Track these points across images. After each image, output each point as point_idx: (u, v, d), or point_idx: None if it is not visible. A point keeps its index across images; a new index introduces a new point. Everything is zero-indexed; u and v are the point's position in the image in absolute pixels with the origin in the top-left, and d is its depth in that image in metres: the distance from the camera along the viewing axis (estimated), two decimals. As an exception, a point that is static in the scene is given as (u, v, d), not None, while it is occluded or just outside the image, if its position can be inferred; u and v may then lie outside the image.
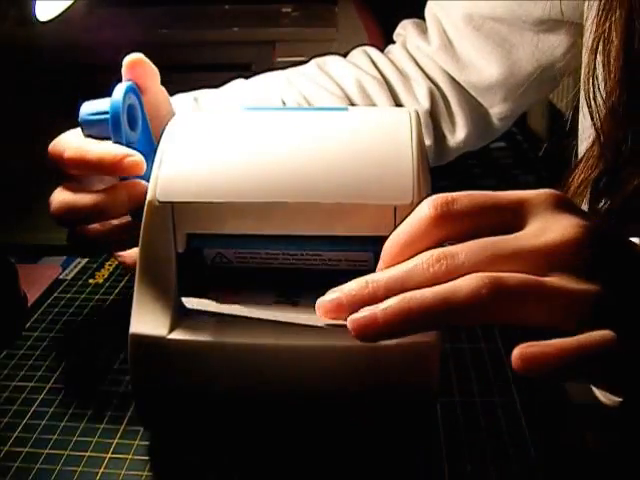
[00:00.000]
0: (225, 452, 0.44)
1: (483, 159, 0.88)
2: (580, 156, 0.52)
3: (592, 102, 0.49)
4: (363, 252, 0.42)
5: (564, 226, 0.35)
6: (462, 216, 0.35)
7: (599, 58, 0.48)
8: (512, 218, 0.36)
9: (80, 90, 0.95)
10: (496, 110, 0.73)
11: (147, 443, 0.46)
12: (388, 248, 0.36)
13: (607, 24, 0.47)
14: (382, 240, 0.38)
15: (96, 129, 0.49)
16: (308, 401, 0.42)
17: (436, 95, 0.72)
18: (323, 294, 0.36)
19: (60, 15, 0.77)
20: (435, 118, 0.72)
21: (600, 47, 0.47)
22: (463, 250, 0.34)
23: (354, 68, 0.71)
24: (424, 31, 0.73)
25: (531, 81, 0.69)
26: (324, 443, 0.44)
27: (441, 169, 0.85)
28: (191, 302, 0.41)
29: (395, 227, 0.41)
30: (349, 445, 0.44)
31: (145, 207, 0.43)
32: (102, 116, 0.48)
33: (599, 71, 0.48)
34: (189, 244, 0.43)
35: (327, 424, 0.43)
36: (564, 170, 0.80)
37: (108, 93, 0.49)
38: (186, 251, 0.43)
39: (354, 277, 0.35)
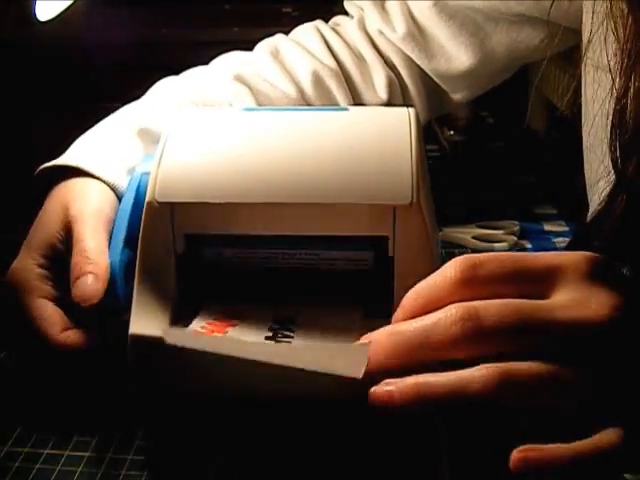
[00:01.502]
0: (225, 452, 0.44)
1: (483, 159, 0.88)
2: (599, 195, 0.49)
3: (617, 150, 0.44)
4: (362, 252, 0.42)
5: (599, 303, 0.33)
6: (488, 282, 0.34)
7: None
8: (542, 285, 0.35)
9: (80, 90, 0.96)
10: (458, 96, 0.71)
11: (147, 443, 0.46)
12: (409, 300, 0.36)
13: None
14: (382, 240, 0.38)
15: None
16: (307, 402, 0.42)
17: (395, 85, 0.69)
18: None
19: (60, 15, 0.77)
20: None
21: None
22: (488, 312, 0.33)
23: (310, 58, 0.68)
24: (387, 14, 0.69)
25: (499, 68, 0.68)
26: (324, 445, 0.44)
27: (441, 169, 0.86)
28: (175, 336, 0.40)
29: (395, 227, 0.41)
30: (349, 447, 0.44)
31: (145, 207, 0.43)
32: None
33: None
34: (188, 244, 0.43)
35: (327, 426, 0.43)
36: (563, 171, 0.80)
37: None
38: (185, 251, 0.43)
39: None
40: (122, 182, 0.52)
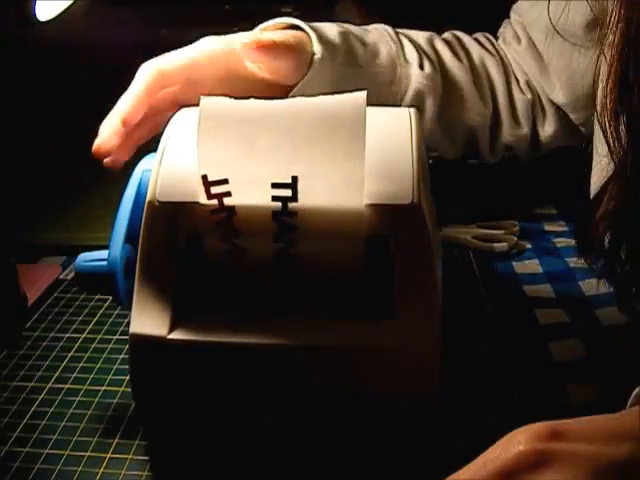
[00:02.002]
0: (225, 452, 0.44)
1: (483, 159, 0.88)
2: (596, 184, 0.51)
3: (611, 132, 0.46)
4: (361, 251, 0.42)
5: None
6: None
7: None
8: None
9: (80, 90, 0.95)
10: (574, 116, 0.72)
11: (147, 443, 0.46)
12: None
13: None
14: (382, 240, 0.38)
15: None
16: (308, 402, 0.42)
17: (533, 87, 0.72)
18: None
19: (60, 15, 0.77)
20: (533, 109, 0.72)
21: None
22: None
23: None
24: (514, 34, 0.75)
25: None
26: (324, 444, 0.44)
27: (442, 169, 0.86)
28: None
29: (396, 227, 0.41)
30: (349, 446, 0.44)
31: (145, 207, 0.43)
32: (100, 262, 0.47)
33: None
34: (189, 244, 0.43)
35: (327, 425, 0.43)
36: (560, 171, 0.80)
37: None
38: (186, 251, 0.43)
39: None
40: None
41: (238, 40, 0.59)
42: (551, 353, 0.53)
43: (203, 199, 0.41)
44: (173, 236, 0.43)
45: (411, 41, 0.70)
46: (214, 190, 0.41)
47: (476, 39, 0.76)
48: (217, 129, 0.41)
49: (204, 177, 0.41)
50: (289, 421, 0.43)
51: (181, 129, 0.46)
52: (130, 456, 0.45)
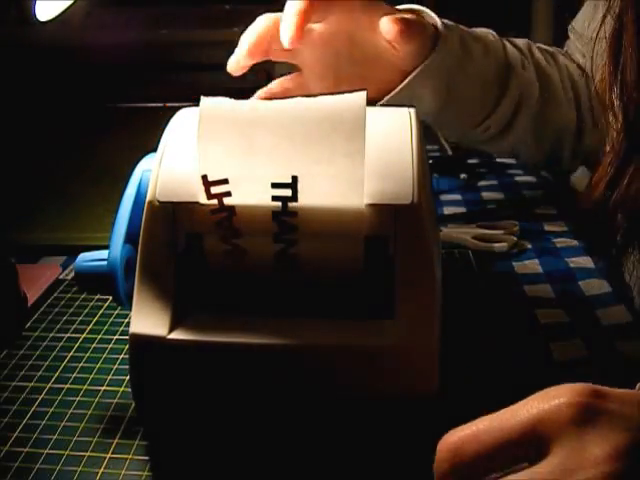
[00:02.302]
0: (225, 452, 0.44)
1: (484, 159, 0.88)
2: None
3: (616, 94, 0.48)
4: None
5: (595, 459, 0.30)
6: (474, 463, 0.32)
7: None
8: (532, 447, 0.31)
9: (80, 90, 0.95)
10: None
11: (147, 443, 0.46)
12: None
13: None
14: (382, 240, 0.38)
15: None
16: (308, 401, 0.42)
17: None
18: None
19: (60, 15, 0.77)
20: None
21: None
22: None
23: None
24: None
25: None
26: (324, 443, 0.44)
27: (442, 169, 0.86)
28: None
29: (396, 227, 0.41)
30: (349, 445, 0.44)
31: (145, 207, 0.43)
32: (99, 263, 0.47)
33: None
34: (189, 244, 0.43)
35: (327, 424, 0.43)
36: (564, 172, 0.80)
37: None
38: (186, 251, 0.43)
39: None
40: None
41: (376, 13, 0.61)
42: (551, 353, 0.53)
43: (203, 199, 0.41)
44: (173, 236, 0.43)
45: (510, 42, 0.73)
46: (214, 190, 0.41)
47: (555, 49, 0.78)
48: (217, 129, 0.41)
49: (204, 177, 0.41)
50: (289, 421, 0.43)
51: (181, 129, 0.46)
52: (130, 456, 0.45)
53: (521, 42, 0.74)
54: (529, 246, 0.69)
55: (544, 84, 0.72)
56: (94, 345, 0.56)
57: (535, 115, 0.71)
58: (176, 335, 0.41)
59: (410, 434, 0.43)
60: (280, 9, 0.59)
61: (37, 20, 0.84)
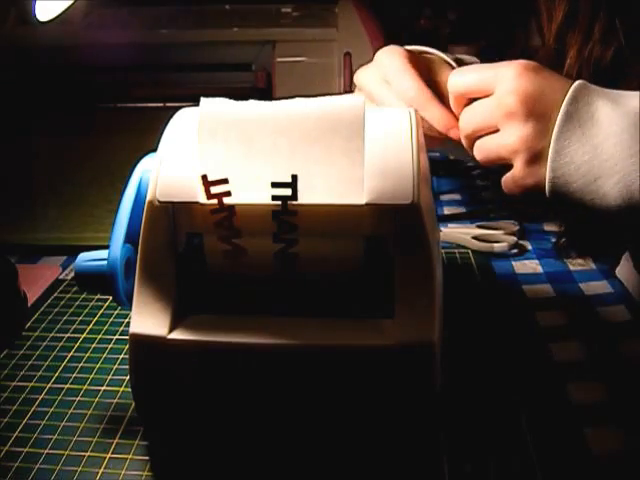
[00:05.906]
0: (225, 452, 0.44)
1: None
2: None
3: None
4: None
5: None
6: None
7: None
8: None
9: (80, 90, 0.95)
10: None
11: (147, 443, 0.46)
12: None
13: None
14: (382, 240, 0.38)
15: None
16: (308, 401, 0.42)
17: None
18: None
19: (60, 15, 0.77)
20: None
21: None
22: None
23: None
24: None
25: None
26: (325, 443, 0.44)
27: (441, 169, 0.86)
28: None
29: (396, 227, 0.41)
30: (350, 445, 0.44)
31: (145, 207, 0.43)
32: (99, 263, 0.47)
33: None
34: (189, 244, 0.43)
35: (327, 423, 0.43)
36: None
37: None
38: (186, 251, 0.43)
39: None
40: None
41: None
42: (551, 353, 0.53)
43: (203, 199, 0.41)
44: (173, 236, 0.43)
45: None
46: (214, 190, 0.41)
47: None
48: (217, 129, 0.41)
49: (204, 177, 0.41)
50: (289, 421, 0.43)
51: (181, 129, 0.46)
52: (130, 456, 0.45)
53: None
54: (529, 246, 0.69)
55: None
56: (94, 345, 0.56)
57: None
58: (176, 335, 0.41)
59: (410, 434, 0.43)
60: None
61: (37, 20, 0.84)
